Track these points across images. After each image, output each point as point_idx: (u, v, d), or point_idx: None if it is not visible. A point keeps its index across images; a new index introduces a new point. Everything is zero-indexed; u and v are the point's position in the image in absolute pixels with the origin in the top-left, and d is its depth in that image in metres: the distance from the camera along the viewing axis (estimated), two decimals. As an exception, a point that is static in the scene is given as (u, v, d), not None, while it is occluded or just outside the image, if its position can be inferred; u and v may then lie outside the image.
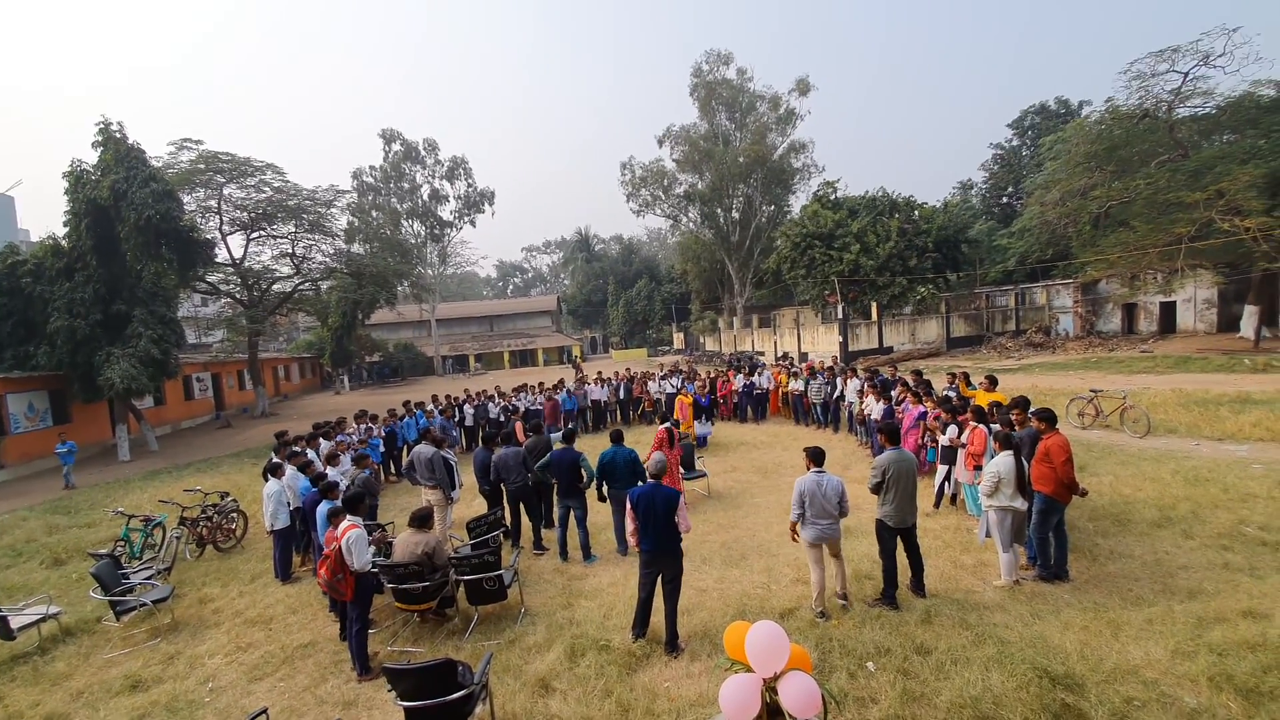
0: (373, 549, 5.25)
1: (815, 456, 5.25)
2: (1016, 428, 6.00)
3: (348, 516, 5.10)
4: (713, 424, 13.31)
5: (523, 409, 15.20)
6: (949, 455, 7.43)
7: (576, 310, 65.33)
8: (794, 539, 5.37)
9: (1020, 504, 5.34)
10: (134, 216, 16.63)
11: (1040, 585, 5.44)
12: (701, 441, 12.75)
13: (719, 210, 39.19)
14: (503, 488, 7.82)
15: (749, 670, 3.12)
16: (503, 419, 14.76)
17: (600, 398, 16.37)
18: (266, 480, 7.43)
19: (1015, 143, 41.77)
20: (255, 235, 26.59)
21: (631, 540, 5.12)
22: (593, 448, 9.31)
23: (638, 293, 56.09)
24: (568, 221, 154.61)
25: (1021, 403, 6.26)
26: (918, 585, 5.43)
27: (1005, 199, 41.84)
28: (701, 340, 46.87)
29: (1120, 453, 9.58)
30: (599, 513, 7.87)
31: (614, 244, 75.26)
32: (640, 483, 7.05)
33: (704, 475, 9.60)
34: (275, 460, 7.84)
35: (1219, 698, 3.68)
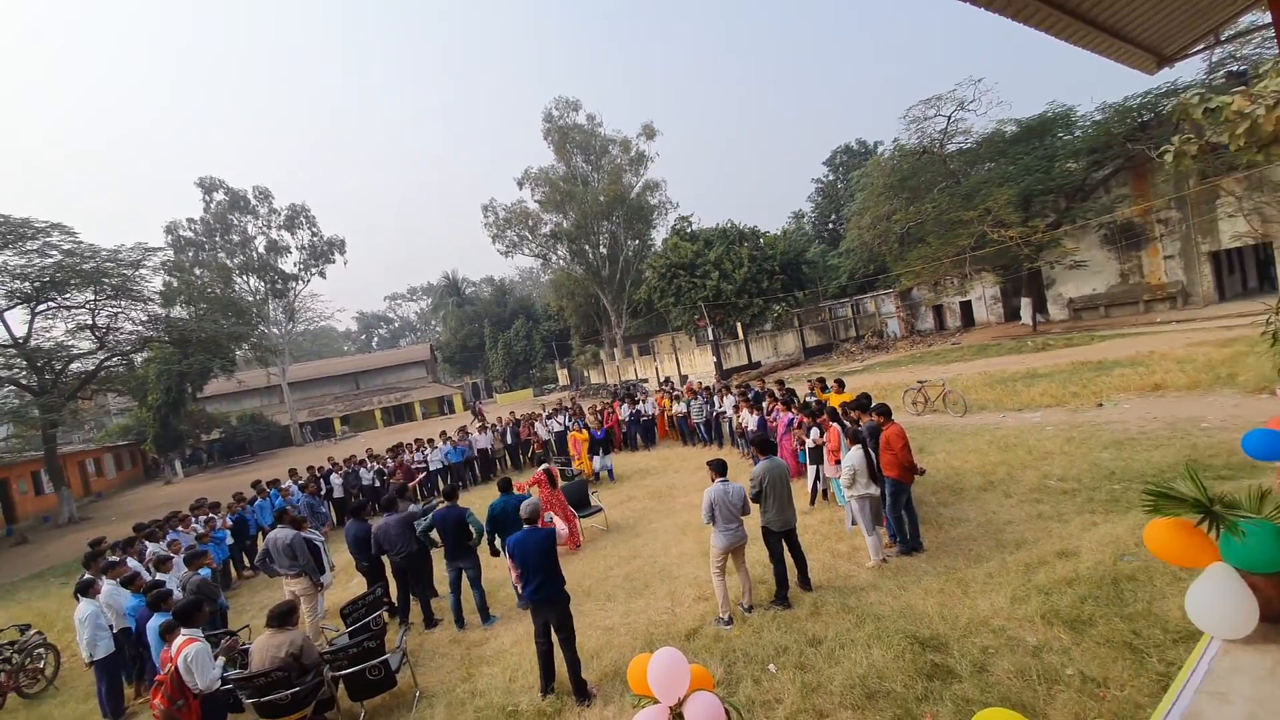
0: (221, 661, 4.50)
1: (718, 468, 5.57)
2: (860, 423, 6.77)
3: (182, 630, 4.34)
4: (609, 456, 13.44)
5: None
6: (816, 455, 8.16)
7: (452, 357, 62.34)
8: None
9: (875, 490, 6.00)
10: None
11: (902, 559, 6.11)
12: (610, 475, 12.79)
13: (587, 247, 40.04)
14: (384, 560, 7.16)
15: (655, 702, 3.14)
16: (377, 484, 13.59)
17: (486, 445, 15.69)
18: (79, 601, 6.10)
19: (831, 177, 48.09)
20: (42, 308, 22.16)
21: (518, 587, 4.97)
22: (482, 499, 8.88)
23: (515, 333, 55.04)
24: (433, 266, 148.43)
25: (861, 402, 7.09)
26: (804, 580, 5.84)
27: (831, 224, 47.70)
28: (586, 374, 47.00)
29: (948, 432, 11.13)
30: (494, 568, 7.49)
31: (485, 286, 73.34)
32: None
33: (600, 510, 9.54)
34: (87, 576, 6.48)
35: (1052, 632, 4.33)
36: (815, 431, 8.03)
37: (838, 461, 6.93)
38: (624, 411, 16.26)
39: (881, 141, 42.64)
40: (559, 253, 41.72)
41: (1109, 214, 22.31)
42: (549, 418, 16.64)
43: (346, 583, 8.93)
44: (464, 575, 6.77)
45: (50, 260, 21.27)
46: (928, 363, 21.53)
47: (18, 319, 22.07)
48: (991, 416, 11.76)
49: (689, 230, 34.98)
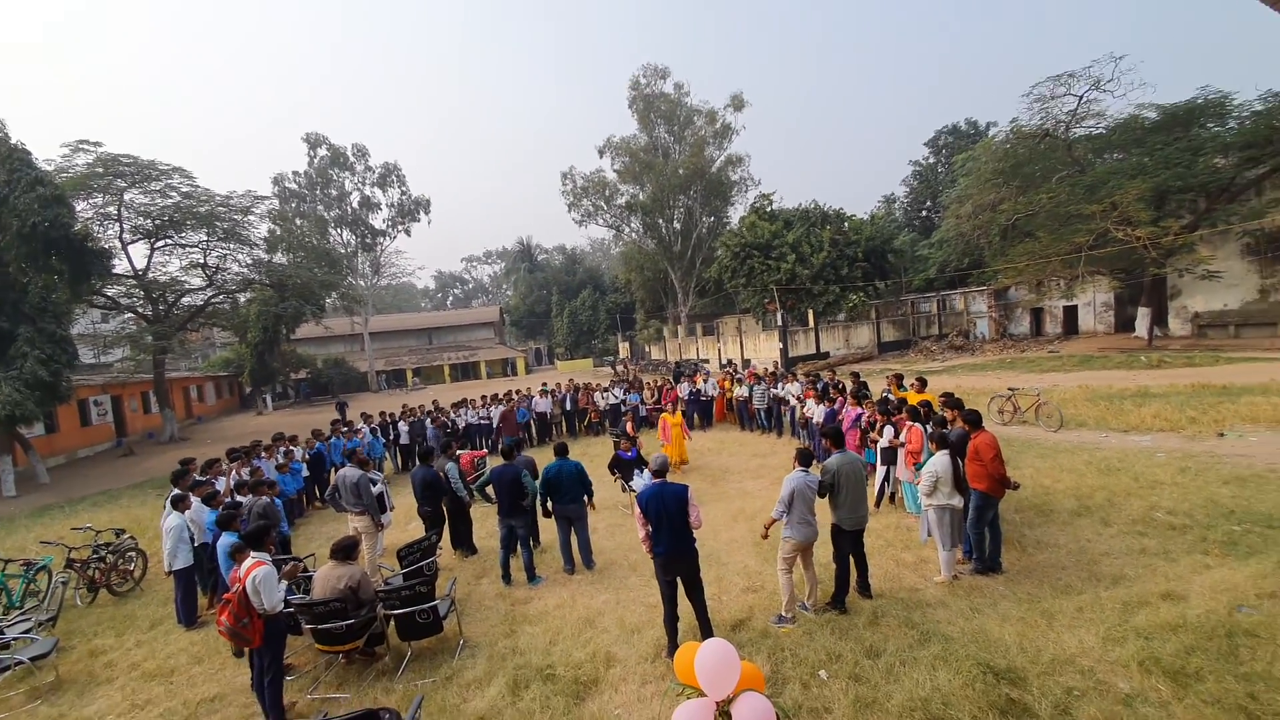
0: (284, 585, 4.72)
1: (804, 458, 5.28)
2: (950, 427, 6.19)
3: (252, 553, 4.56)
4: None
5: (462, 426, 14.61)
6: (888, 456, 7.61)
7: (520, 321, 64.11)
8: (764, 536, 5.73)
9: (958, 501, 5.48)
10: (17, 224, 14.89)
11: (977, 579, 5.59)
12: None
13: (660, 221, 39.58)
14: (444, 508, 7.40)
15: (701, 694, 2.95)
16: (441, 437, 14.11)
17: (544, 409, 15.95)
18: (168, 513, 6.66)
19: (931, 160, 44.59)
20: (161, 244, 24.44)
21: (645, 547, 5.03)
22: (538, 461, 8.95)
23: (582, 303, 55.68)
24: (509, 231, 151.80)
25: (955, 403, 6.47)
26: (864, 586, 5.45)
27: (925, 212, 44.53)
28: (647, 349, 47.02)
29: (1038, 446, 10.16)
30: (544, 530, 7.54)
31: (557, 254, 74.49)
32: (587, 495, 6.89)
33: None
34: (178, 492, 7.04)
35: (1150, 681, 3.81)
36: (890, 430, 7.47)
37: (916, 465, 6.40)
38: (684, 389, 16.01)
39: (995, 123, 38.88)
40: (632, 225, 41.53)
41: (1257, 220, 19.47)
42: (607, 389, 16.67)
43: (405, 524, 9.33)
44: (515, 533, 6.85)
45: (170, 201, 23.29)
46: (1019, 369, 19.81)
47: (139, 253, 24.36)
48: (1091, 435, 10.64)
49: (768, 209, 33.68)
